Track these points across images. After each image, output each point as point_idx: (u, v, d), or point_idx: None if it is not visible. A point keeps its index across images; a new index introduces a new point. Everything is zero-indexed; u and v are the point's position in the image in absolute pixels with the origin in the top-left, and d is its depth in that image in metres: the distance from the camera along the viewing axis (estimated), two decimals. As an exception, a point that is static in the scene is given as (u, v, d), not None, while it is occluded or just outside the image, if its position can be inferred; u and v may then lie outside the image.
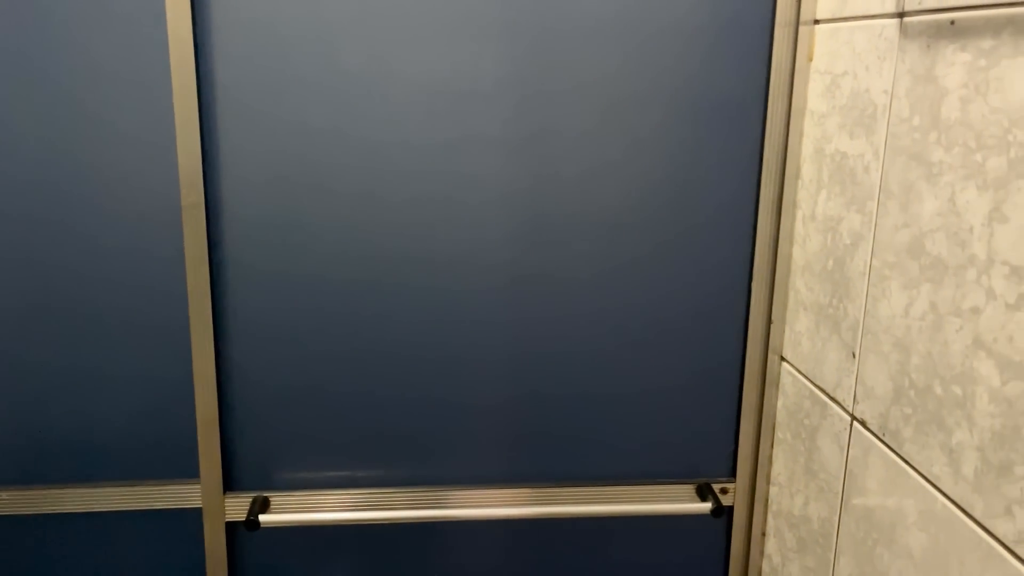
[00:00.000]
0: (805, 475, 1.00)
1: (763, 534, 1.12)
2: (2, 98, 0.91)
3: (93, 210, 0.95)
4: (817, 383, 0.96)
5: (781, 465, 1.06)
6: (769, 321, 1.06)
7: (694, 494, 1.10)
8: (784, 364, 1.05)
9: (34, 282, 0.96)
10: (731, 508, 1.11)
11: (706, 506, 1.07)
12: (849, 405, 0.89)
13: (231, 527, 1.06)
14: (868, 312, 0.85)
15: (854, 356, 0.88)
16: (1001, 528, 0.65)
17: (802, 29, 0.97)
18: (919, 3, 0.76)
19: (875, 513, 0.84)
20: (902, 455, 0.79)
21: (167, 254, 0.97)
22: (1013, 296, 0.64)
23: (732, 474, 1.11)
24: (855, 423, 0.88)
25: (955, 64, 0.71)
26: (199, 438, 1.02)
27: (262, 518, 1.01)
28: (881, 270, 0.83)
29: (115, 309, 0.98)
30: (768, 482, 1.10)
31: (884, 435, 0.82)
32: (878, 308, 0.83)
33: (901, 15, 0.79)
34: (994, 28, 0.66)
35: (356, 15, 0.93)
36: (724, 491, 1.10)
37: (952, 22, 0.71)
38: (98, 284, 0.97)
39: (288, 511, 1.04)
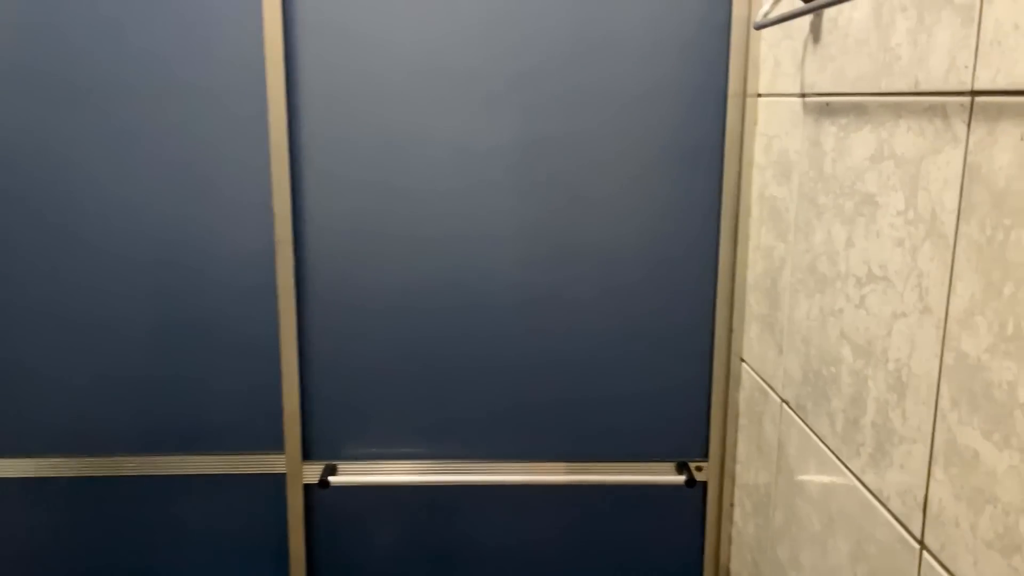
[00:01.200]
0: (757, 452, 1.25)
1: (731, 504, 1.37)
2: (142, 173, 1.25)
3: (212, 252, 1.28)
4: (763, 376, 1.22)
5: (742, 446, 1.32)
6: (730, 330, 1.32)
7: (674, 470, 1.36)
8: (743, 364, 1.31)
9: (164, 302, 1.29)
10: (705, 483, 1.37)
11: (681, 478, 1.33)
12: (780, 391, 1.15)
13: (307, 488, 1.36)
14: (788, 317, 1.11)
15: (781, 352, 1.14)
16: (853, 462, 0.91)
17: (748, 100, 1.25)
18: (811, 88, 1.03)
19: (794, 472, 1.09)
20: (807, 424, 1.05)
21: (263, 280, 1.29)
22: (857, 298, 0.90)
23: (705, 455, 1.36)
24: (783, 404, 1.14)
25: (829, 134, 0.98)
26: (284, 419, 1.32)
27: (331, 479, 1.31)
28: (795, 285, 1.09)
29: (224, 319, 1.30)
30: (734, 460, 1.35)
31: (798, 410, 1.08)
32: (794, 314, 1.09)
33: (803, 95, 1.06)
34: (847, 110, 0.93)
35: (401, 97, 1.24)
36: (699, 468, 1.36)
37: (827, 104, 0.98)
38: (211, 301, 1.29)
39: (351, 475, 1.33)
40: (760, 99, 1.23)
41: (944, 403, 0.73)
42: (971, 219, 0.69)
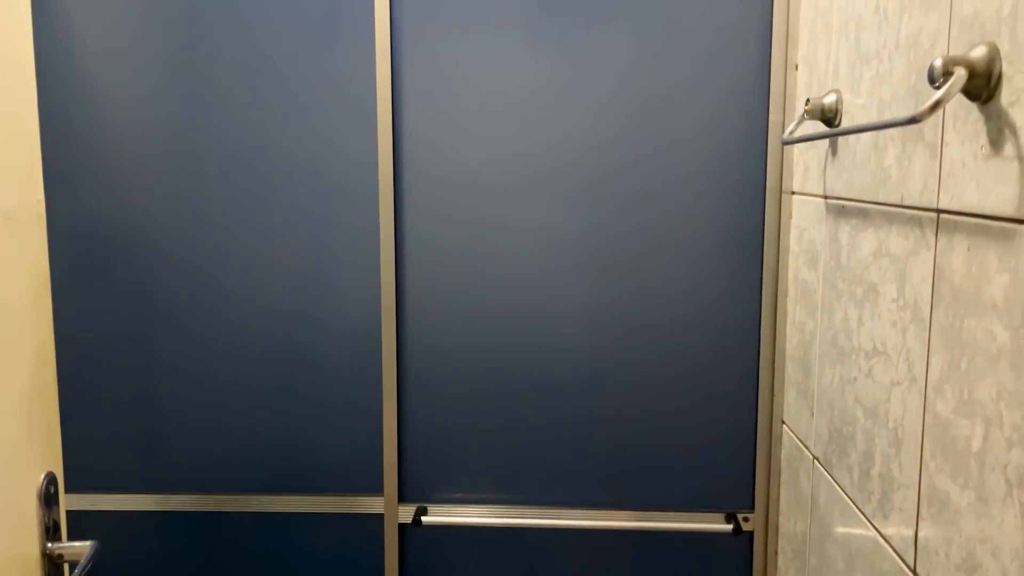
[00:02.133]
0: (795, 503, 1.42)
1: (775, 552, 1.53)
2: (277, 262, 1.52)
3: (330, 329, 1.53)
4: (798, 436, 1.40)
5: (784, 498, 1.48)
6: (772, 395, 1.50)
7: (723, 520, 1.53)
8: (783, 425, 1.49)
9: (289, 369, 1.54)
10: (751, 532, 1.53)
11: (729, 527, 1.50)
12: (812, 448, 1.32)
13: (402, 528, 1.57)
14: (817, 384, 1.30)
15: (812, 414, 1.32)
16: (866, 508, 1.08)
17: (783, 196, 1.46)
18: (831, 191, 1.23)
19: (824, 519, 1.26)
20: (832, 476, 1.22)
21: (370, 350, 1.53)
22: (867, 369, 1.09)
23: (751, 506, 1.53)
24: (815, 460, 1.31)
25: (844, 231, 1.18)
26: (384, 466, 1.55)
27: (423, 519, 1.52)
28: (821, 356, 1.28)
29: (337, 383, 1.54)
30: (777, 512, 1.52)
31: (826, 465, 1.25)
32: (821, 381, 1.28)
33: (825, 197, 1.26)
34: (856, 212, 1.13)
35: (490, 198, 1.49)
36: (745, 519, 1.53)
37: (843, 206, 1.18)
38: (328, 368, 1.54)
39: (439, 516, 1.54)
40: (794, 196, 1.43)
41: (926, 455, 0.91)
42: (940, 308, 0.88)
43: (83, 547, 0.80)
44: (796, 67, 1.42)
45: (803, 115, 1.24)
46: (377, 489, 1.57)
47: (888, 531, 1.01)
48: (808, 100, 1.22)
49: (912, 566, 0.94)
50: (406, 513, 1.56)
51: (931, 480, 0.89)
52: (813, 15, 1.33)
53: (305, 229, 1.52)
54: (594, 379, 1.52)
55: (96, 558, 0.79)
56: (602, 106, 1.46)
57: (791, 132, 1.27)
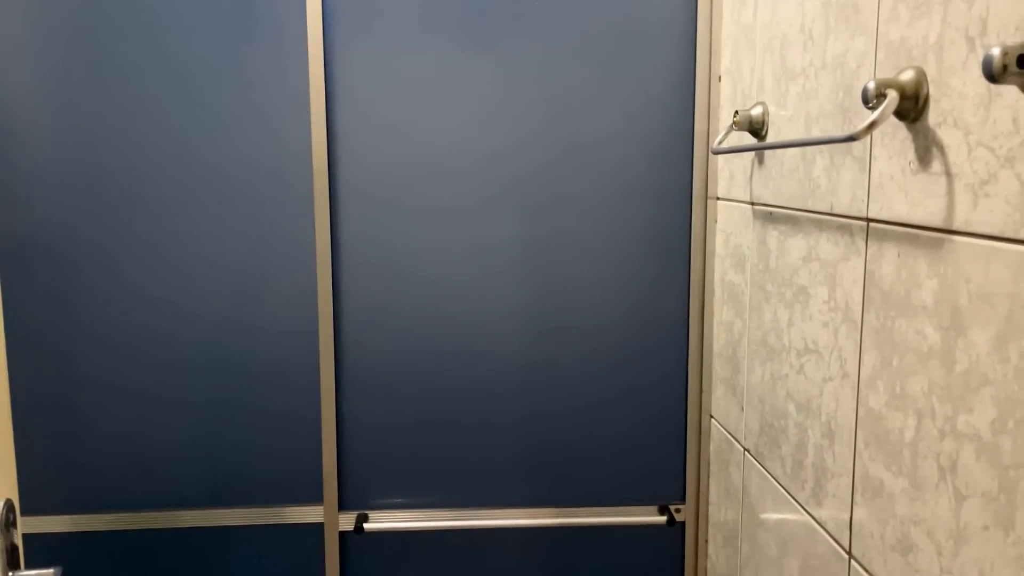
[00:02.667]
0: (726, 494, 1.49)
1: (706, 541, 1.60)
2: (203, 265, 1.49)
3: (263, 332, 1.51)
4: (728, 429, 1.47)
5: (714, 489, 1.56)
6: (700, 391, 1.57)
7: (656, 512, 1.59)
8: (712, 420, 1.56)
9: (219, 376, 1.51)
10: (683, 523, 1.60)
11: (663, 519, 1.56)
12: (742, 441, 1.40)
13: (343, 536, 1.57)
14: (747, 380, 1.37)
15: (742, 409, 1.39)
16: (799, 495, 1.16)
17: (709, 202, 1.53)
18: (758, 198, 1.31)
19: (755, 508, 1.34)
20: (765, 467, 1.29)
21: (307, 355, 1.52)
22: (798, 366, 1.16)
23: (683, 498, 1.60)
24: (745, 452, 1.38)
25: (772, 236, 1.25)
26: (323, 475, 1.54)
27: (365, 526, 1.52)
28: (750, 354, 1.35)
29: (271, 391, 1.52)
30: (707, 502, 1.59)
31: (757, 457, 1.33)
32: (751, 377, 1.35)
33: (752, 204, 1.34)
34: (785, 219, 1.20)
35: (421, 203, 1.50)
36: (677, 510, 1.59)
37: (771, 212, 1.26)
38: (261, 376, 1.52)
39: (380, 522, 1.55)
40: (719, 202, 1.51)
41: (860, 445, 0.98)
42: (871, 310, 0.95)
43: (47, 574, 0.78)
44: (719, 79, 1.49)
45: (732, 126, 1.30)
46: (316, 498, 1.56)
47: (823, 516, 1.09)
48: (737, 112, 1.29)
49: (847, 547, 1.02)
50: (347, 521, 1.56)
51: (865, 468, 0.97)
52: (736, 31, 1.40)
53: (237, 234, 1.49)
54: (529, 381, 1.56)
55: (61, 586, 0.77)
56: (532, 113, 1.50)
57: (720, 142, 1.33)
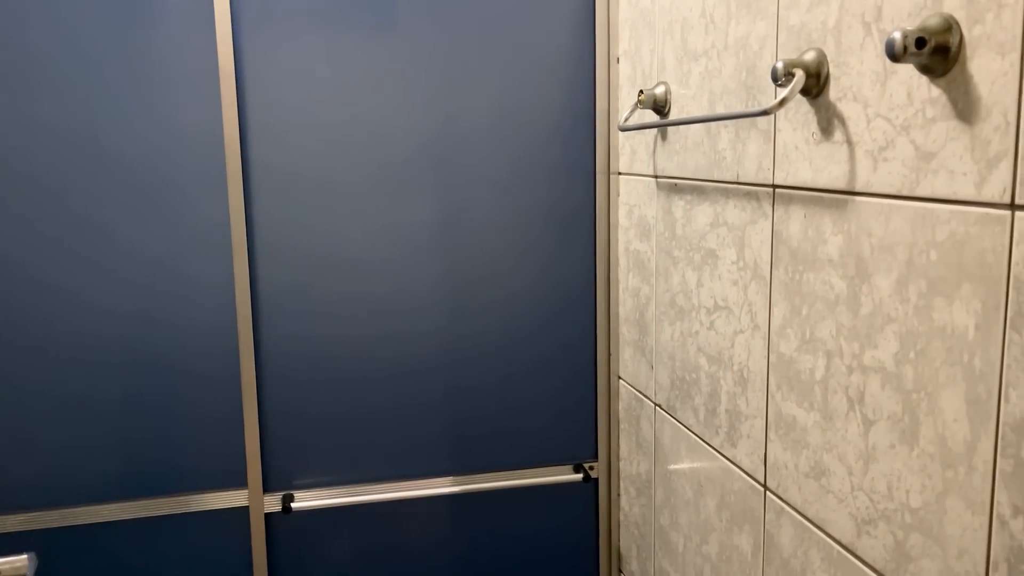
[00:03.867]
0: (637, 448, 1.60)
1: (618, 494, 1.72)
2: (115, 255, 1.45)
3: (180, 313, 1.48)
4: (638, 388, 1.58)
5: (624, 445, 1.67)
6: (609, 354, 1.68)
7: (572, 471, 1.69)
8: (620, 380, 1.67)
9: (132, 364, 1.48)
10: (597, 479, 1.71)
11: (579, 476, 1.66)
12: (653, 397, 1.51)
13: (268, 517, 1.57)
14: (656, 341, 1.48)
15: (652, 368, 1.50)
16: (714, 440, 1.27)
17: (612, 177, 1.63)
18: (662, 172, 1.41)
19: (668, 457, 1.45)
20: (677, 419, 1.41)
21: (225, 333, 1.51)
22: (708, 323, 1.27)
23: (595, 456, 1.70)
24: (656, 407, 1.50)
25: (678, 206, 1.36)
26: (247, 459, 1.54)
27: (292, 506, 1.53)
28: (659, 316, 1.46)
29: (190, 377, 1.50)
30: (618, 458, 1.70)
31: (669, 410, 1.44)
32: (660, 338, 1.46)
33: (656, 177, 1.44)
34: (691, 190, 1.31)
35: (338, 183, 1.52)
36: (591, 467, 1.70)
37: (676, 184, 1.36)
38: (178, 362, 1.50)
39: (306, 501, 1.56)
40: (621, 176, 1.61)
41: (772, 388, 1.10)
42: (779, 267, 1.06)
43: (21, 561, 0.77)
44: (618, 60, 1.58)
45: (636, 104, 1.40)
46: (241, 482, 1.55)
47: (738, 456, 1.20)
48: (641, 91, 1.38)
49: (763, 481, 1.14)
50: (273, 502, 1.56)
51: (778, 408, 1.09)
52: (633, 15, 1.50)
53: (147, 222, 1.46)
54: (447, 355, 1.61)
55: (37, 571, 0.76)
56: (441, 92, 1.54)
57: (626, 119, 1.43)
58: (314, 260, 1.53)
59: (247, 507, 1.56)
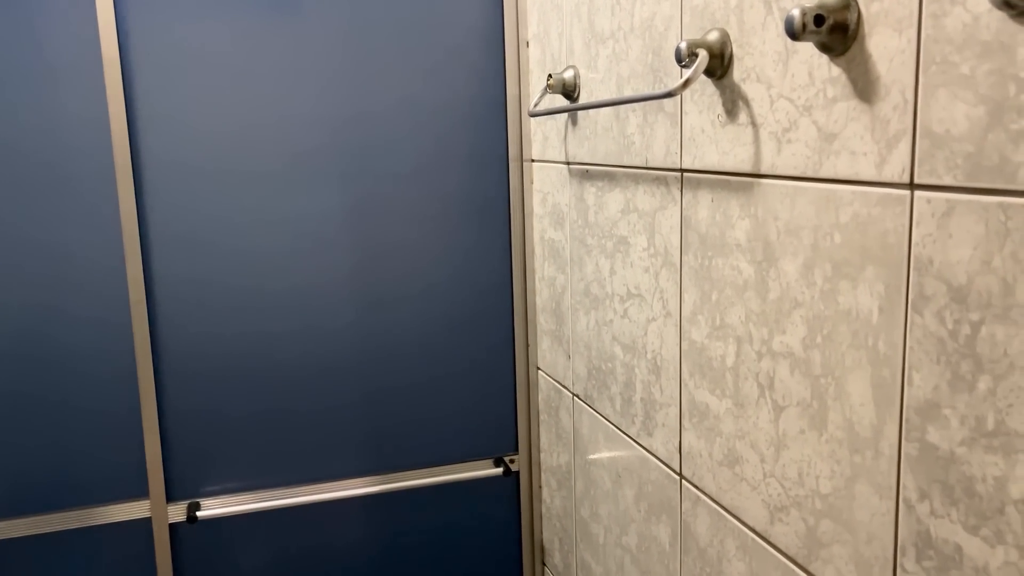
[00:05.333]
0: (557, 440, 1.58)
1: (540, 486, 1.69)
2: (14, 265, 1.35)
3: (69, 314, 1.39)
4: (556, 378, 1.55)
5: (544, 436, 1.64)
6: (527, 345, 1.64)
7: (492, 465, 1.65)
8: (540, 371, 1.64)
9: (18, 367, 1.38)
10: (517, 472, 1.68)
11: (499, 470, 1.62)
12: (571, 387, 1.48)
13: (173, 528, 1.49)
14: (572, 331, 1.45)
15: (569, 357, 1.48)
16: (631, 430, 1.25)
17: (525, 164, 1.59)
18: (573, 158, 1.38)
19: (587, 448, 1.43)
20: (595, 408, 1.39)
21: (120, 337, 1.42)
22: (622, 311, 1.25)
23: (516, 448, 1.67)
24: (574, 397, 1.47)
25: (590, 192, 1.33)
26: (148, 468, 1.45)
27: (198, 514, 1.46)
28: (574, 306, 1.43)
29: (83, 380, 1.41)
30: (539, 450, 1.67)
31: (586, 400, 1.42)
32: (576, 328, 1.43)
33: (568, 163, 1.41)
34: (602, 176, 1.28)
35: (241, 171, 1.45)
36: (512, 461, 1.67)
37: (587, 171, 1.33)
38: (69, 364, 1.40)
39: (213, 509, 1.49)
40: (534, 163, 1.57)
41: (685, 376, 1.08)
42: (689, 253, 1.05)
43: None
44: (528, 44, 1.55)
45: (546, 89, 1.36)
46: (142, 492, 1.47)
47: (654, 445, 1.19)
48: (550, 76, 1.35)
49: (679, 470, 1.12)
50: (177, 512, 1.48)
51: (691, 396, 1.07)
52: (542, -3, 1.46)
53: (32, 213, 1.36)
54: (360, 351, 1.56)
55: None
56: (346, 78, 1.48)
57: (536, 105, 1.39)
58: (216, 254, 1.45)
59: (149, 518, 1.47)
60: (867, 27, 0.72)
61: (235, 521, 1.53)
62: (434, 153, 1.54)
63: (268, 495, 1.53)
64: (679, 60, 0.93)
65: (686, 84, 0.91)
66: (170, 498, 1.48)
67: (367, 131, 1.50)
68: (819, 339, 0.82)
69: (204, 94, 1.41)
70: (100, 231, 1.39)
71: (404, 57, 1.50)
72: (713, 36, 0.93)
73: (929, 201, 0.67)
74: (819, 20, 0.73)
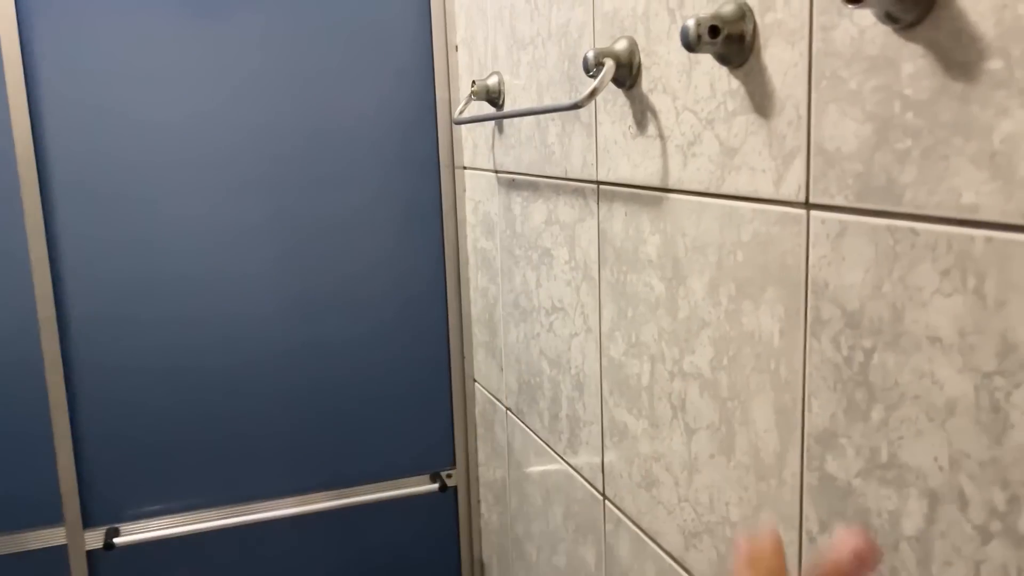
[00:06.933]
0: (493, 453, 1.54)
1: (478, 501, 1.65)
2: None
3: (-31, 334, 1.33)
4: (490, 391, 1.52)
5: (482, 450, 1.60)
6: (463, 357, 1.60)
7: (429, 480, 1.61)
8: (476, 384, 1.60)
9: (-77, 391, 1.31)
10: (455, 487, 1.64)
11: (435, 486, 1.58)
12: (504, 400, 1.45)
13: (91, 555, 1.43)
14: (505, 342, 1.42)
15: (502, 370, 1.44)
16: (558, 447, 1.22)
17: (456, 171, 1.55)
18: (501, 166, 1.34)
19: (520, 463, 1.39)
20: (525, 423, 1.35)
21: (29, 360, 1.36)
22: (548, 324, 1.21)
23: (453, 463, 1.63)
24: (507, 411, 1.44)
25: (516, 202, 1.29)
26: (62, 493, 1.39)
27: (116, 541, 1.40)
28: (505, 317, 1.39)
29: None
30: (477, 464, 1.64)
31: (518, 414, 1.38)
32: (508, 339, 1.40)
33: (496, 171, 1.37)
34: (527, 185, 1.24)
35: (154, 180, 1.39)
36: (449, 475, 1.63)
37: (513, 180, 1.30)
38: (-25, 387, 1.34)
39: (134, 534, 1.43)
40: (466, 171, 1.53)
41: (606, 393, 1.05)
42: (606, 267, 1.01)
43: None
44: (456, 48, 1.50)
45: (470, 96, 1.32)
46: (56, 519, 1.41)
47: (579, 463, 1.15)
48: (474, 82, 1.31)
49: (602, 490, 1.09)
50: (94, 539, 1.42)
51: (611, 414, 1.04)
52: (469, 0, 1.42)
53: (-73, 236, 1.29)
54: (291, 366, 1.51)
55: None
56: (271, 87, 1.43)
57: (461, 112, 1.35)
58: (131, 268, 1.39)
59: (65, 546, 1.41)
60: (763, 39, 0.69)
61: (157, 546, 1.47)
62: (363, 159, 1.50)
63: (192, 518, 1.47)
64: (587, 70, 0.90)
65: (592, 95, 0.88)
66: (87, 524, 1.42)
67: (291, 137, 1.45)
68: (725, 361, 0.78)
69: (115, 103, 1.35)
70: (4, 251, 1.33)
71: (330, 60, 1.45)
72: (621, 45, 0.90)
73: (823, 222, 0.64)
74: (714, 31, 0.70)
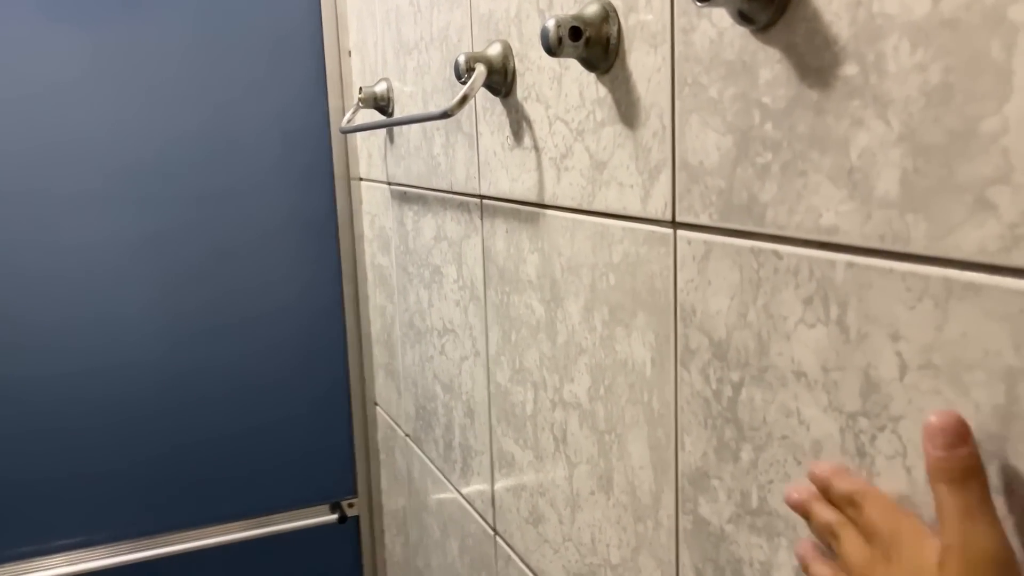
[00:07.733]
0: (395, 481, 1.46)
1: (382, 531, 1.57)
2: None
3: None
4: (391, 416, 1.44)
5: (384, 478, 1.52)
6: (363, 379, 1.52)
7: (328, 511, 1.52)
8: (376, 407, 1.52)
9: None
10: (357, 517, 1.55)
11: (335, 517, 1.50)
12: (403, 426, 1.37)
13: (-51, 605, 1.31)
14: (402, 364, 1.34)
15: (400, 394, 1.36)
16: (452, 477, 1.15)
17: (352, 183, 1.47)
18: (393, 178, 1.27)
19: (420, 493, 1.32)
20: (423, 451, 1.28)
21: None
22: (440, 347, 1.14)
23: (355, 492, 1.55)
24: (407, 437, 1.36)
25: (408, 216, 1.22)
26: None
27: (-23, 589, 1.28)
28: (402, 338, 1.32)
29: None
30: (379, 492, 1.55)
31: (416, 441, 1.31)
32: (404, 361, 1.32)
33: (389, 184, 1.30)
34: (417, 198, 1.17)
35: (20, 199, 1.28)
36: (351, 505, 1.54)
37: (404, 192, 1.22)
38: None
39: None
40: (362, 183, 1.45)
41: (494, 421, 0.98)
42: (491, 287, 0.95)
43: None
44: (349, 54, 1.43)
45: (357, 103, 1.25)
46: (-92, 568, 1.28)
47: (471, 495, 1.08)
48: (361, 88, 1.23)
49: (493, 524, 1.02)
50: (-46, 587, 1.30)
51: (500, 444, 0.97)
52: (360, 4, 1.34)
53: None
54: (179, 391, 1.40)
55: None
56: (153, 98, 1.33)
57: (349, 120, 1.27)
58: (-10, 294, 1.28)
59: (-81, 597, 1.29)
60: (627, 42, 0.63)
61: (26, 592, 1.35)
62: (255, 171, 1.41)
63: (54, 562, 1.36)
64: (458, 76, 0.83)
65: (463, 102, 0.81)
66: (-56, 572, 1.30)
67: (173, 149, 1.35)
68: (602, 390, 0.72)
69: (-31, 111, 1.24)
70: None
71: (216, 68, 1.36)
72: (495, 50, 0.84)
73: (689, 242, 0.58)
74: (576, 33, 0.64)
